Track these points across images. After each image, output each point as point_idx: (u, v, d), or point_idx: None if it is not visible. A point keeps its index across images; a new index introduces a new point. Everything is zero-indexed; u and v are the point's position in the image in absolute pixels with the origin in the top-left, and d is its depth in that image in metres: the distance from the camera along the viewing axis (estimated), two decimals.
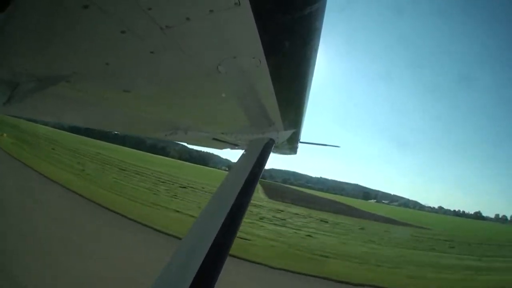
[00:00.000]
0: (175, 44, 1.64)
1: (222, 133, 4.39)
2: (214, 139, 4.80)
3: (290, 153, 6.89)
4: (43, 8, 1.49)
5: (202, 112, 3.53)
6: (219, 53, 1.79)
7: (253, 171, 2.85)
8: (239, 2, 1.27)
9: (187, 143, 7.19)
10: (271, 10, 1.37)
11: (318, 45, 1.85)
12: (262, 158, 3.17)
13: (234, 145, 5.50)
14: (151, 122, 4.34)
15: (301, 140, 5.38)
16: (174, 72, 2.17)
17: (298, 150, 6.45)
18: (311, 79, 2.39)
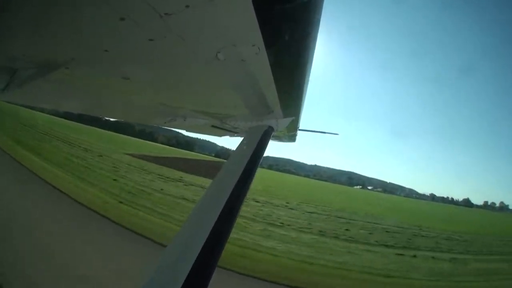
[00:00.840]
0: (174, 31, 1.63)
1: (221, 121, 4.40)
2: (213, 126, 4.81)
3: (289, 141, 6.91)
4: None
5: (201, 99, 3.53)
6: (218, 40, 1.78)
7: (252, 158, 2.86)
8: None
9: (186, 131, 7.19)
10: None
11: (317, 32, 1.85)
12: (261, 145, 3.17)
13: (233, 133, 5.51)
14: (150, 109, 4.34)
15: (300, 128, 5.40)
16: (173, 60, 2.17)
17: (297, 137, 6.47)
18: (311, 67, 2.39)
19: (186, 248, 2.08)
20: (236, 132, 5.31)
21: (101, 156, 41.62)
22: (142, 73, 2.55)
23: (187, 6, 1.39)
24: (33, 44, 2.24)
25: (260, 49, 1.78)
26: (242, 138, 3.62)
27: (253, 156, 2.91)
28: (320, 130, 7.34)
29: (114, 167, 36.94)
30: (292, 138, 6.40)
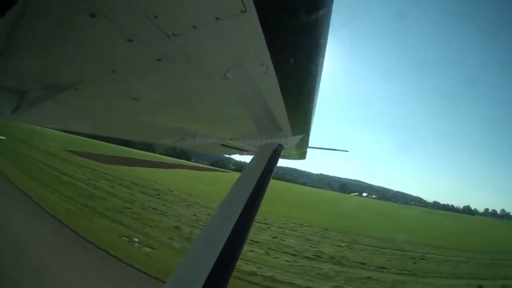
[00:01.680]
0: (182, 51, 1.63)
1: (231, 139, 4.38)
2: (222, 145, 4.80)
3: (298, 158, 6.87)
4: (50, 16, 1.49)
5: (210, 118, 3.53)
6: (226, 60, 1.77)
7: (263, 176, 2.86)
8: (245, 9, 1.25)
9: (196, 149, 7.21)
10: (278, 16, 1.35)
11: (325, 50, 1.83)
12: (271, 163, 3.16)
13: (242, 151, 5.49)
14: (159, 129, 4.35)
15: (309, 146, 5.36)
16: (182, 79, 2.16)
17: (307, 154, 6.43)
18: (319, 84, 2.37)
19: (199, 264, 2.07)
20: (245, 151, 5.29)
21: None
22: (150, 93, 2.55)
23: (194, 27, 1.38)
24: (42, 66, 2.26)
25: (269, 68, 1.77)
26: (252, 156, 3.60)
27: (264, 174, 2.89)
28: (330, 148, 7.30)
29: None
30: (302, 155, 6.36)
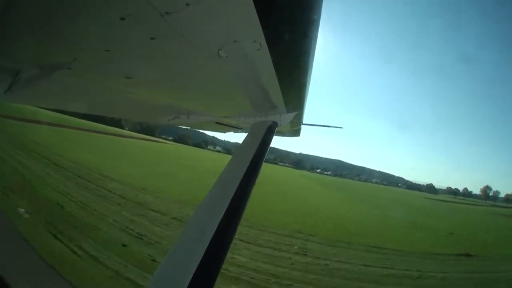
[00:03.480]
0: (175, 29, 1.63)
1: (225, 117, 4.40)
2: (217, 123, 4.82)
3: (293, 135, 6.92)
4: None
5: (204, 96, 3.53)
6: (220, 37, 1.78)
7: (257, 154, 2.87)
8: None
9: (190, 127, 7.22)
10: None
11: (318, 27, 1.84)
12: (265, 141, 3.18)
13: (237, 129, 5.52)
14: (153, 107, 4.35)
15: (304, 122, 5.39)
16: (175, 58, 2.17)
17: (301, 131, 6.47)
18: (313, 61, 2.38)
19: (192, 245, 2.09)
20: (240, 128, 5.32)
21: None
22: (144, 72, 2.55)
23: (187, 4, 1.39)
24: (35, 45, 2.25)
25: (262, 45, 1.78)
26: (246, 134, 3.62)
27: (258, 152, 2.91)
28: (324, 124, 7.34)
29: None
30: (296, 132, 6.40)
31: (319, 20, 1.74)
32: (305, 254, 20.38)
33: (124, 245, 15.67)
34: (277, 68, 2.14)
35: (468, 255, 24.82)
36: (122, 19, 1.53)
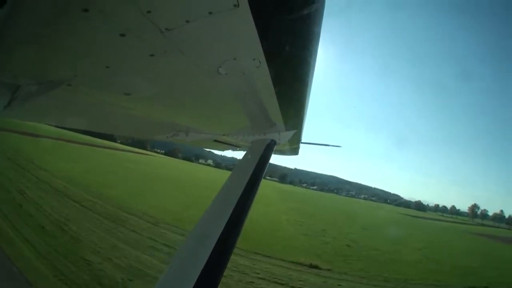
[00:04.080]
0: (175, 46, 1.64)
1: (224, 135, 4.38)
2: (215, 140, 4.80)
3: (291, 154, 6.88)
4: (43, 10, 1.49)
5: (203, 114, 3.53)
6: (219, 55, 1.78)
7: (255, 172, 2.85)
8: (238, 3, 1.27)
9: (189, 145, 7.20)
10: (270, 11, 1.37)
11: (318, 45, 1.85)
12: (264, 159, 3.15)
13: (235, 147, 5.50)
14: (152, 124, 4.34)
15: (302, 141, 5.38)
16: (175, 75, 2.17)
17: (300, 150, 6.45)
18: (312, 80, 2.39)
19: (191, 260, 2.07)
20: (238, 146, 5.29)
21: None
22: (143, 89, 2.54)
23: (187, 21, 1.39)
24: (35, 61, 2.25)
25: (261, 63, 1.78)
26: (245, 152, 3.60)
27: (256, 170, 2.89)
28: (323, 143, 7.33)
29: None
30: (294, 151, 6.38)
31: (318, 39, 1.76)
32: None
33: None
34: (276, 86, 2.14)
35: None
36: (123, 35, 1.54)
